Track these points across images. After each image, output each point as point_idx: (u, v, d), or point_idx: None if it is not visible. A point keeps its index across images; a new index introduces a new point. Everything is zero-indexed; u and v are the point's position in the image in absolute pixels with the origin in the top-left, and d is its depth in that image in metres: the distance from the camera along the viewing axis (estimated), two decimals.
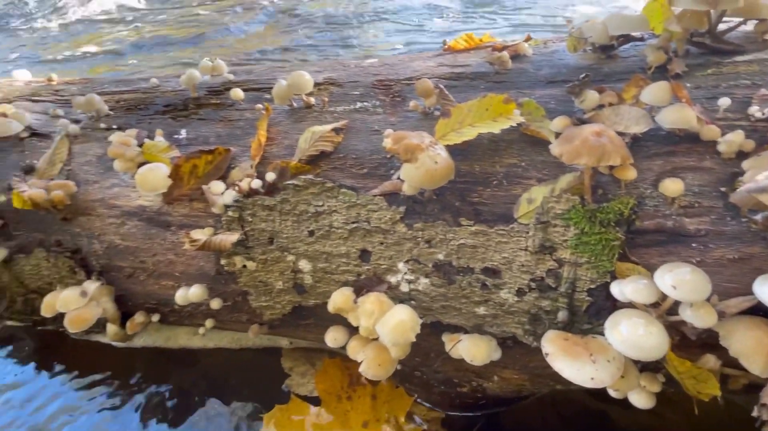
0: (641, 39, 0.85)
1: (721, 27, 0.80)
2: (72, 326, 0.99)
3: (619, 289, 0.69)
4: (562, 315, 0.76)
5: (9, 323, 1.23)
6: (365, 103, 0.93)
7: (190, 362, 1.17)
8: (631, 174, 0.69)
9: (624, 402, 0.75)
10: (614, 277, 0.72)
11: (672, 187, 0.69)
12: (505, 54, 0.87)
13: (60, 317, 1.00)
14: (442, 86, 0.83)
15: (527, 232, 0.75)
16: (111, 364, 1.16)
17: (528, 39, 0.95)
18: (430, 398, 1.04)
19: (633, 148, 0.73)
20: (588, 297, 0.75)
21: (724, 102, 0.71)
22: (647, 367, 0.74)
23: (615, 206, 0.71)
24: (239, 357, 1.17)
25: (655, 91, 0.70)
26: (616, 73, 0.82)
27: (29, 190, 0.97)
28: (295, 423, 1.04)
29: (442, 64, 0.96)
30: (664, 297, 0.65)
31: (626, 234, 0.71)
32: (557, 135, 0.75)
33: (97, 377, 1.14)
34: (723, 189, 0.69)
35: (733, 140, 0.67)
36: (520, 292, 0.79)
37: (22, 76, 1.37)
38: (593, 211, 0.71)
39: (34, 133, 1.11)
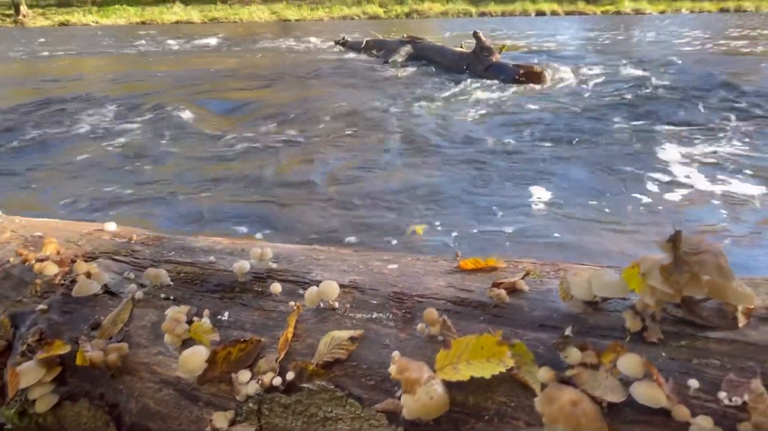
0: (624, 297, 0.96)
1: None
2: None
3: None
4: None
5: None
6: (380, 314, 1.08)
7: None
8: None
9: None
10: None
11: None
12: (503, 292, 1.01)
13: None
14: (445, 317, 0.97)
15: None
16: None
17: (527, 274, 1.08)
18: None
19: (612, 410, 0.80)
20: None
21: (694, 383, 0.78)
22: None
23: None
24: None
25: (628, 363, 0.80)
26: (600, 328, 0.92)
27: (91, 352, 1.15)
28: None
29: (450, 285, 1.11)
30: None
31: None
32: (543, 386, 0.84)
33: None
34: None
35: (703, 426, 0.73)
36: None
37: (110, 228, 1.65)
38: None
39: (107, 291, 1.33)
